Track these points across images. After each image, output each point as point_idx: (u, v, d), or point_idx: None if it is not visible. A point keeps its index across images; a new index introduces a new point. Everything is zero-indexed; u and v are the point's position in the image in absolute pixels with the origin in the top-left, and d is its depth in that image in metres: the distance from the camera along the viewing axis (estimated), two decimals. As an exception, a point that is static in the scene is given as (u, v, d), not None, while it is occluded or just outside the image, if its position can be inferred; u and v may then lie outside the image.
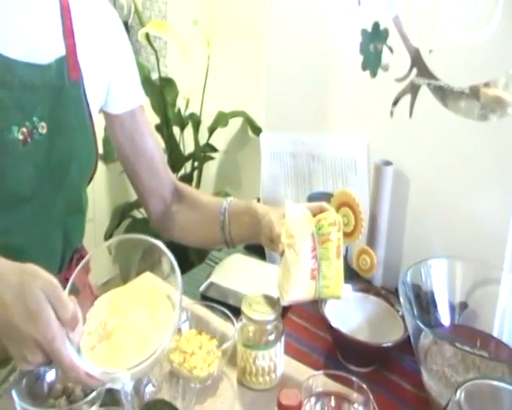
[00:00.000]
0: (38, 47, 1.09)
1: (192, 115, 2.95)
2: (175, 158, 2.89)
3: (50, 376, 1.02)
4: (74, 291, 0.90)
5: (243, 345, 1.14)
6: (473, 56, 1.25)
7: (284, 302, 1.10)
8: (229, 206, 1.27)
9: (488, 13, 1.20)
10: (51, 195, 1.15)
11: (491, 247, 1.28)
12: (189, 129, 2.96)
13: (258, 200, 1.81)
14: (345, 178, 1.57)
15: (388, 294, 1.34)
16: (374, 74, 1.45)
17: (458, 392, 0.90)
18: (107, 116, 1.29)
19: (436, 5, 1.28)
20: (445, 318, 1.27)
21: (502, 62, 1.21)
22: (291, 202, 1.14)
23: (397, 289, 1.21)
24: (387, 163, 1.41)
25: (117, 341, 0.89)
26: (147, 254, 0.99)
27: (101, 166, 2.81)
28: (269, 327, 1.13)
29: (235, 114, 2.85)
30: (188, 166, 3.01)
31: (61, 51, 1.12)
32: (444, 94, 1.31)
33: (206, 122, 2.90)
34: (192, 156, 2.98)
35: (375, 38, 1.42)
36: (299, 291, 1.07)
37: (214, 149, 2.95)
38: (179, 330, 1.17)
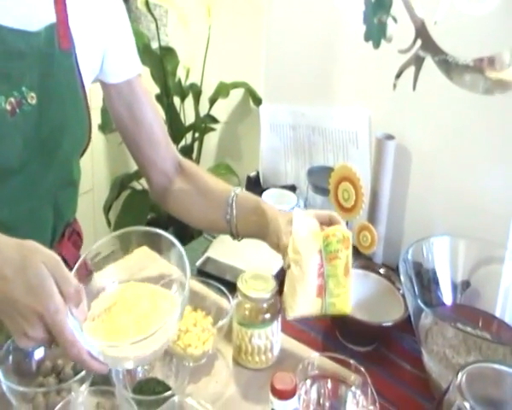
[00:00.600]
0: (27, 13, 1.04)
1: (193, 85, 2.92)
2: (175, 129, 2.85)
3: (39, 353, 1.00)
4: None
5: (239, 323, 1.12)
6: (479, 28, 1.22)
7: (289, 318, 1.08)
8: (237, 198, 1.22)
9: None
10: (41, 168, 1.11)
11: (495, 224, 1.26)
12: (189, 100, 2.93)
13: (258, 173, 1.79)
14: (346, 151, 1.55)
15: (389, 271, 1.32)
16: (377, 45, 1.41)
17: (459, 375, 0.89)
18: (104, 86, 1.25)
19: (442, -26, 1.25)
20: (446, 297, 1.25)
21: (508, 35, 1.18)
22: (299, 211, 1.12)
23: (398, 267, 1.20)
24: (390, 137, 1.38)
25: (119, 322, 0.88)
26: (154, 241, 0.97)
27: (99, 136, 2.81)
28: (265, 305, 1.11)
29: (236, 85, 2.82)
30: (188, 138, 2.98)
31: (51, 18, 1.07)
32: (448, 67, 1.28)
33: (206, 93, 2.87)
34: (193, 127, 2.95)
35: (378, 8, 1.39)
36: (304, 308, 1.05)
37: (215, 120, 2.92)
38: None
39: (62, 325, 0.80)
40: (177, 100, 2.91)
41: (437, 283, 1.25)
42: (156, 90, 2.81)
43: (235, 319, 1.13)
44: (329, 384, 0.99)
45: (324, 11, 1.50)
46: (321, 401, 0.98)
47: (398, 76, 1.39)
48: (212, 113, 2.89)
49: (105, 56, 1.20)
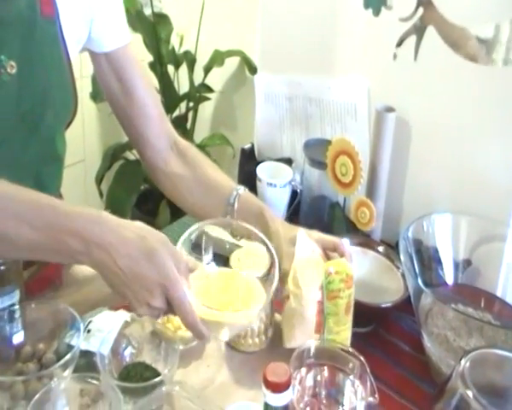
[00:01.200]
0: None
1: (187, 53, 2.87)
2: (169, 98, 2.81)
3: (18, 338, 0.96)
4: None
5: (231, 304, 1.08)
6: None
7: (286, 347, 1.05)
8: (240, 199, 1.20)
9: None
10: (22, 141, 1.07)
11: (498, 201, 1.24)
12: (183, 68, 2.88)
13: (253, 145, 1.75)
14: (344, 124, 1.51)
15: (388, 249, 1.30)
16: (377, 13, 1.36)
17: (462, 362, 0.87)
18: (93, 55, 1.21)
19: None
20: (447, 276, 1.23)
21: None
22: (303, 233, 1.11)
23: (397, 244, 1.19)
24: (389, 109, 1.34)
25: (219, 295, 0.96)
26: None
27: (91, 105, 2.75)
28: (258, 285, 1.07)
29: (231, 53, 2.77)
30: (182, 107, 2.94)
31: None
32: (451, 36, 1.23)
33: (201, 61, 2.83)
34: (187, 96, 2.91)
35: (378, -28, 1.34)
36: (302, 340, 1.02)
37: (210, 90, 2.88)
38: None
39: (183, 295, 0.88)
40: (170, 68, 2.87)
41: (438, 261, 1.23)
42: (149, 57, 2.77)
43: (227, 299, 1.09)
44: (326, 372, 0.95)
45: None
46: (317, 390, 0.95)
47: (398, 45, 1.34)
48: (207, 82, 2.84)
49: (93, 24, 1.15)
